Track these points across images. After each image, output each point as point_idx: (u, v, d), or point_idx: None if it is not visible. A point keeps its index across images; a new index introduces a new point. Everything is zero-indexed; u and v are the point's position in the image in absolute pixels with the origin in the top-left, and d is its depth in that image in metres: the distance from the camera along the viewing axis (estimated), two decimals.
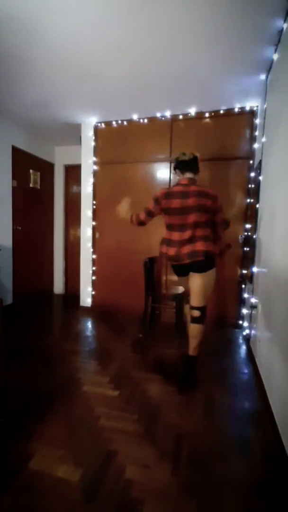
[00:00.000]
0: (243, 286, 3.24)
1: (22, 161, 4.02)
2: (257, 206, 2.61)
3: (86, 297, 3.90)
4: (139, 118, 3.49)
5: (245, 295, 3.12)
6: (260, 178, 2.56)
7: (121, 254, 3.72)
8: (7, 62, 2.41)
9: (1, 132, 3.63)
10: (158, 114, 3.40)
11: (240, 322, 3.27)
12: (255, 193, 2.77)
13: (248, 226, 3.17)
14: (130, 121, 3.55)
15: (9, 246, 3.80)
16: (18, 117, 3.60)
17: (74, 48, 2.21)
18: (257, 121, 3.02)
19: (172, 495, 1.23)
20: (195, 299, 2.14)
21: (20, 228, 4.01)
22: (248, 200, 3.18)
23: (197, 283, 2.12)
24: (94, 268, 3.87)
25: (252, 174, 3.09)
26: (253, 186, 3.06)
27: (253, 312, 2.60)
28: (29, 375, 2.16)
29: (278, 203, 1.81)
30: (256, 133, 3.05)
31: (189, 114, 3.32)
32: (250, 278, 2.87)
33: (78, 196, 4.03)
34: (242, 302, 3.28)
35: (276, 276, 1.75)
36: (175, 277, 3.50)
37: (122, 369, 2.30)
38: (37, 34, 2.06)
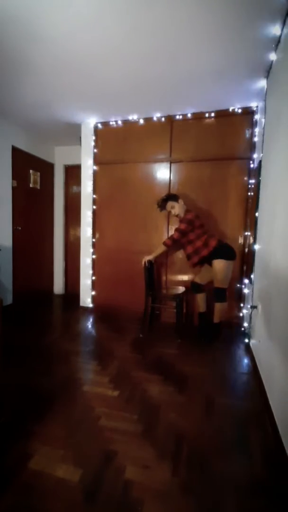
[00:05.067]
0: (243, 286, 3.24)
1: (22, 161, 4.02)
2: (257, 206, 2.60)
3: (86, 297, 3.90)
4: (139, 118, 3.49)
5: (245, 296, 3.12)
6: (260, 178, 2.56)
7: (121, 254, 3.72)
8: (7, 63, 2.41)
9: (1, 132, 3.63)
10: (158, 114, 3.40)
11: (240, 322, 3.27)
12: (255, 193, 2.77)
13: (248, 226, 3.17)
14: (130, 121, 3.55)
15: (9, 246, 3.80)
16: (18, 118, 3.60)
17: (74, 49, 2.21)
18: (257, 121, 3.02)
19: (172, 495, 1.23)
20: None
21: (20, 228, 4.02)
22: (248, 200, 3.18)
23: None
24: (94, 268, 3.86)
25: (252, 175, 3.09)
26: (253, 186, 3.07)
27: (253, 312, 2.60)
28: (29, 375, 2.16)
29: (278, 203, 1.81)
30: (256, 133, 3.06)
31: (188, 114, 3.32)
32: (250, 278, 2.87)
33: (78, 196, 4.03)
34: (242, 302, 3.28)
35: (276, 276, 1.75)
36: (175, 277, 3.53)
37: (122, 369, 2.30)
38: (37, 35, 2.06)
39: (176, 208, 3.01)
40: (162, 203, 3.06)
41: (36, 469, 1.33)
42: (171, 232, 3.52)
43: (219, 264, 2.81)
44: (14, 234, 3.89)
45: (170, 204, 3.03)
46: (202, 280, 3.07)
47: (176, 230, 2.97)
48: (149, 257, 3.10)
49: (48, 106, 3.24)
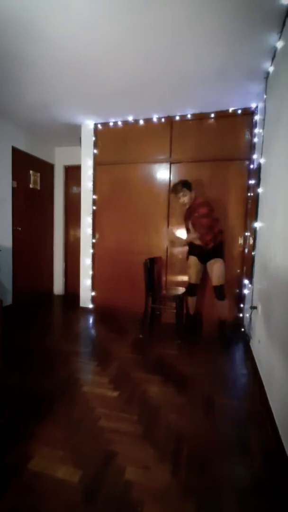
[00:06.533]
0: (243, 286, 3.24)
1: (22, 162, 4.03)
2: (257, 206, 2.61)
3: (86, 298, 3.90)
4: (139, 119, 3.50)
5: (245, 296, 3.12)
6: (260, 179, 2.56)
7: (121, 254, 3.72)
8: (7, 64, 2.42)
9: (1, 133, 3.63)
10: (158, 115, 3.40)
11: (240, 322, 3.26)
12: (255, 194, 2.77)
13: (248, 226, 3.17)
14: (130, 122, 3.56)
15: (9, 247, 3.80)
16: (18, 118, 3.61)
17: (74, 50, 2.21)
18: (257, 121, 3.02)
19: (172, 496, 1.22)
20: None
21: (20, 228, 4.02)
22: (248, 201, 3.18)
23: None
24: (94, 269, 3.86)
25: (252, 175, 3.09)
26: (252, 187, 3.07)
27: (253, 312, 2.60)
28: (29, 376, 2.16)
29: (278, 203, 1.81)
30: (256, 134, 3.06)
31: (188, 115, 3.32)
32: (250, 278, 2.87)
33: (78, 196, 4.03)
34: (242, 302, 3.27)
35: (276, 276, 1.75)
36: (175, 278, 3.53)
37: (122, 370, 2.30)
38: (37, 36, 2.07)
39: (188, 197, 2.97)
40: (179, 187, 2.97)
41: (36, 470, 1.33)
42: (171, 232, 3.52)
43: (219, 262, 2.89)
44: (14, 235, 3.89)
45: (184, 191, 2.97)
46: (197, 280, 3.12)
47: (202, 215, 2.85)
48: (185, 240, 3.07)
49: (48, 107, 3.25)
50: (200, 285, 3.19)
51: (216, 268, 2.90)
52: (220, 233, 2.95)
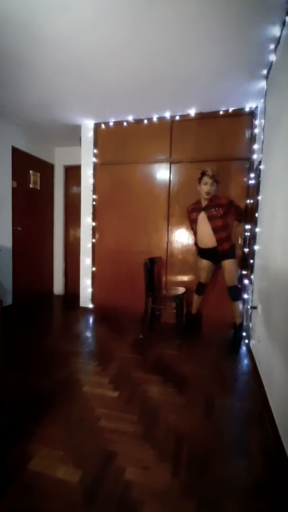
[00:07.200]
0: (243, 286, 3.24)
1: (22, 162, 4.02)
2: (257, 206, 2.60)
3: (86, 298, 3.90)
4: (139, 119, 3.50)
5: (245, 296, 3.12)
6: (260, 178, 2.56)
7: (121, 254, 3.72)
8: (7, 64, 2.41)
9: (1, 133, 3.63)
10: (158, 115, 3.40)
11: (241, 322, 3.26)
12: (255, 194, 2.77)
13: (248, 227, 3.17)
14: (130, 122, 3.56)
15: (9, 247, 3.80)
16: (18, 118, 3.61)
17: (74, 51, 2.21)
18: (257, 122, 3.02)
19: (172, 496, 1.22)
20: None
21: (20, 228, 4.01)
22: (248, 201, 3.18)
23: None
24: (94, 269, 3.86)
25: (252, 175, 3.09)
26: (252, 187, 3.07)
27: (253, 312, 2.60)
28: (29, 376, 2.16)
29: (278, 204, 1.81)
30: (256, 134, 3.06)
31: (189, 115, 3.32)
32: (250, 279, 2.87)
33: (78, 196, 4.03)
34: (242, 302, 3.27)
35: (275, 276, 1.75)
36: (175, 278, 3.53)
37: (122, 370, 2.30)
38: (37, 37, 2.06)
39: (215, 188, 2.89)
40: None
41: (36, 470, 1.33)
42: (171, 233, 3.52)
43: (232, 263, 2.89)
44: (14, 235, 3.89)
45: (211, 180, 2.83)
46: (206, 279, 3.12)
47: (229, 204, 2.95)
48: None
49: (48, 107, 3.25)
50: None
51: (228, 269, 2.88)
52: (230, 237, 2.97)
